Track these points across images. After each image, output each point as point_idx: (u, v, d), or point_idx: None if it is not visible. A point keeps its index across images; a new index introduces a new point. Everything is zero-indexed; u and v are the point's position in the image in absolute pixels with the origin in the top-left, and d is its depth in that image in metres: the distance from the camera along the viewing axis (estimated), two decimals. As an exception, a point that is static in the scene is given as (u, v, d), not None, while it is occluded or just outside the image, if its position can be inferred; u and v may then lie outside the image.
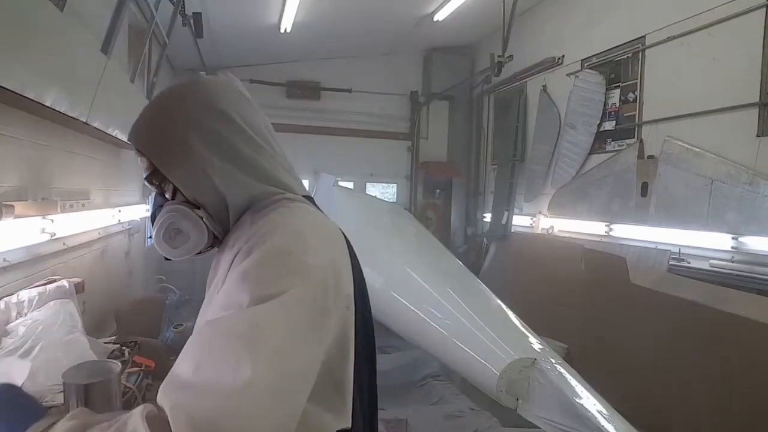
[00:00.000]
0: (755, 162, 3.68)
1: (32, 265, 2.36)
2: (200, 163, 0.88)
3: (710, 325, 3.36)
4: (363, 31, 6.88)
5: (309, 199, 0.98)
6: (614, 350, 4.04)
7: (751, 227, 3.69)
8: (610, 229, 5.04)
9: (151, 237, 1.00)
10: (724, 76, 3.94)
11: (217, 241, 0.95)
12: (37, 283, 2.29)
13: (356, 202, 4.71)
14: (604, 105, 5.25)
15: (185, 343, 0.73)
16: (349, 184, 7.44)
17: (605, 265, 4.40)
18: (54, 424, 0.71)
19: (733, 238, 3.77)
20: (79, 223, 2.85)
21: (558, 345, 4.22)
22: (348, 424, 0.77)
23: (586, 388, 2.68)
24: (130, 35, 4.23)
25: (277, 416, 0.63)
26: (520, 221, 6.60)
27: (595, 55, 5.43)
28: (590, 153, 5.45)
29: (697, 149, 4.13)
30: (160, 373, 2.13)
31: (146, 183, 0.97)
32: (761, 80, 3.66)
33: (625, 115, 5.04)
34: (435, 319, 3.29)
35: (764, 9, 3.63)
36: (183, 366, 0.66)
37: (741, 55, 3.83)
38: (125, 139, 2.79)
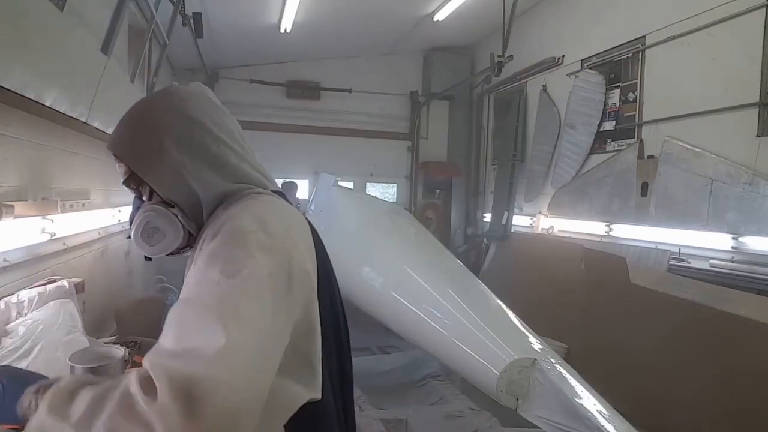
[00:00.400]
0: (755, 162, 3.68)
1: (32, 265, 2.36)
2: (173, 164, 0.94)
3: (710, 325, 3.36)
4: (363, 31, 6.88)
5: (279, 193, 1.03)
6: (614, 350, 4.04)
7: (751, 227, 3.69)
8: (610, 229, 5.04)
9: (129, 237, 1.04)
10: (724, 76, 3.94)
11: (192, 239, 1.00)
12: (37, 283, 2.29)
13: (356, 202, 4.70)
14: (604, 105, 5.25)
15: None
16: (349, 184, 7.44)
17: (605, 265, 4.40)
18: (59, 378, 0.77)
19: (733, 238, 3.77)
20: (79, 223, 2.85)
21: (558, 345, 4.22)
22: (318, 395, 0.80)
23: (586, 388, 2.67)
24: (130, 35, 4.23)
25: (251, 377, 0.67)
26: (520, 221, 6.60)
27: (595, 55, 5.43)
28: (590, 153, 5.45)
29: (697, 149, 4.13)
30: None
31: (124, 187, 1.04)
32: (761, 80, 3.66)
33: (625, 115, 5.04)
34: (435, 319, 3.29)
35: (764, 9, 3.63)
36: (163, 339, 0.71)
37: (741, 55, 3.83)
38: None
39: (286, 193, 1.08)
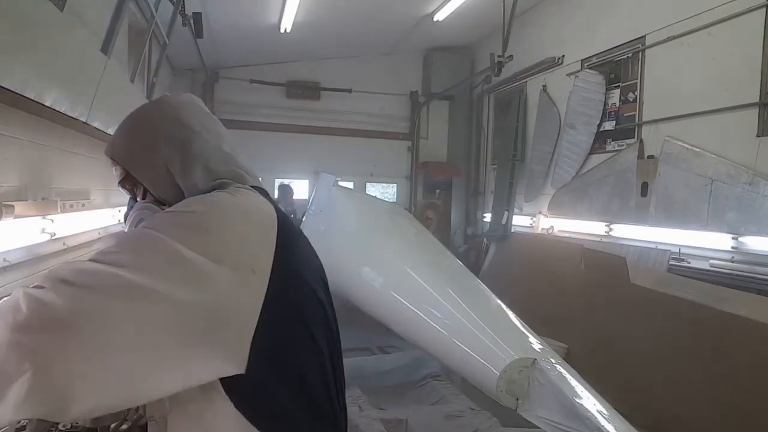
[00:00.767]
0: (755, 162, 3.68)
1: (32, 265, 2.36)
2: (164, 164, 1.01)
3: (710, 325, 3.36)
4: (363, 31, 6.88)
5: (260, 189, 1.06)
6: (614, 350, 4.04)
7: (751, 227, 3.69)
8: (610, 229, 5.04)
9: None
10: (724, 76, 3.94)
11: None
12: (37, 283, 2.28)
13: (356, 202, 4.69)
14: (604, 105, 5.25)
15: None
16: (349, 184, 7.43)
17: (605, 265, 4.40)
18: None
19: (733, 238, 3.77)
20: (79, 223, 2.84)
21: (558, 345, 4.22)
22: (241, 371, 0.80)
23: (586, 388, 2.67)
24: (130, 35, 4.23)
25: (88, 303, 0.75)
26: (520, 221, 6.60)
27: (595, 55, 5.43)
28: (590, 153, 5.45)
29: (697, 149, 4.13)
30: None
31: (120, 188, 1.12)
32: (761, 80, 3.66)
33: (625, 115, 5.04)
34: (435, 319, 3.29)
35: (764, 9, 3.63)
36: (70, 265, 0.81)
37: (741, 55, 3.83)
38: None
39: (282, 198, 1.10)
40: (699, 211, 4.06)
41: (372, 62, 7.98)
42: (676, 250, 4.21)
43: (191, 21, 4.59)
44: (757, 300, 3.39)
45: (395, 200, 8.31)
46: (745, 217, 3.72)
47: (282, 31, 6.09)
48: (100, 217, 3.32)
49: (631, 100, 4.96)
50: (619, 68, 5.12)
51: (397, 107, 8.25)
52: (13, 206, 1.96)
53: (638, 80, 4.86)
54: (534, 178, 6.41)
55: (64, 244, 2.69)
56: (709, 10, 4.01)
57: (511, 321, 3.28)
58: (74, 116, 2.45)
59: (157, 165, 1.01)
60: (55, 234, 2.39)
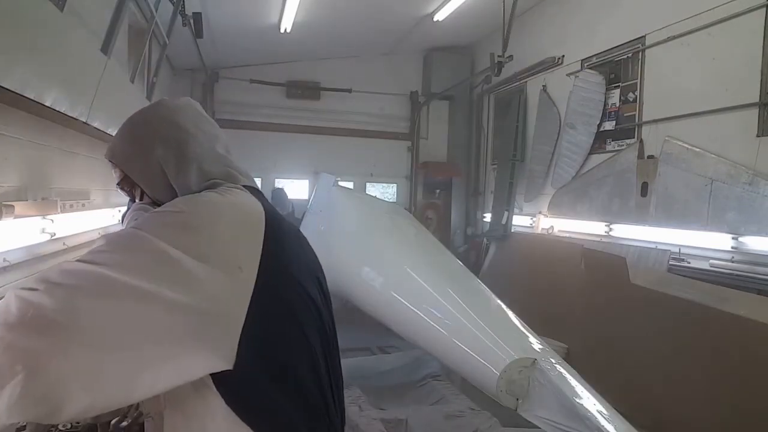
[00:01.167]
0: (755, 162, 3.68)
1: (32, 265, 2.36)
2: (159, 165, 1.03)
3: (710, 325, 3.36)
4: (363, 31, 6.88)
5: (252, 189, 1.07)
6: (614, 350, 4.04)
7: (751, 227, 3.68)
8: (610, 229, 5.04)
9: None
10: (724, 76, 3.94)
11: None
12: (37, 283, 2.28)
13: (356, 202, 4.69)
14: (604, 105, 5.25)
15: None
16: (349, 184, 7.43)
17: (605, 265, 4.40)
18: None
19: (733, 238, 3.77)
20: (79, 223, 2.84)
21: (558, 345, 4.22)
22: (229, 366, 0.81)
23: (586, 388, 2.67)
24: (130, 35, 4.23)
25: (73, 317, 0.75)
26: (520, 221, 6.60)
27: (595, 55, 5.43)
28: (590, 153, 5.45)
29: (697, 149, 4.13)
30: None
31: (119, 189, 1.14)
32: (761, 80, 3.66)
33: (625, 115, 5.04)
34: (435, 319, 3.29)
35: (764, 9, 3.63)
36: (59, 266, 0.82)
37: (741, 55, 3.83)
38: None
39: (278, 201, 1.10)
40: (699, 211, 4.06)
41: (372, 62, 7.98)
42: (676, 250, 4.21)
43: (191, 21, 4.59)
44: (757, 300, 3.39)
45: (395, 200, 8.31)
46: (745, 217, 3.71)
47: (282, 31, 6.09)
48: (100, 217, 3.32)
49: (631, 100, 4.96)
50: (619, 68, 5.12)
51: (397, 107, 8.25)
52: (13, 206, 1.96)
53: (638, 80, 4.86)
54: (534, 178, 6.41)
55: (64, 244, 2.69)
56: (709, 10, 4.01)
57: (511, 321, 3.28)
58: (74, 116, 2.45)
59: (153, 166, 1.03)
60: (55, 234, 2.39)
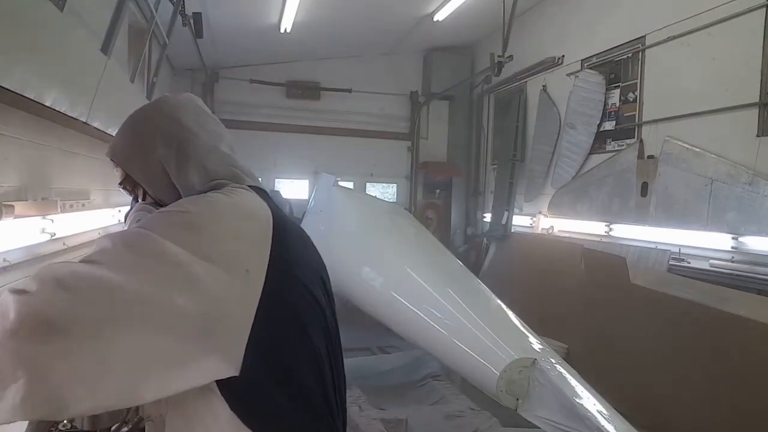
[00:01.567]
0: (755, 162, 3.68)
1: (32, 265, 2.35)
2: (160, 164, 1.01)
3: (710, 325, 3.36)
4: (363, 31, 6.88)
5: (258, 189, 1.05)
6: (614, 350, 4.04)
7: (751, 227, 3.68)
8: (610, 229, 5.04)
9: None
10: (724, 76, 3.94)
11: None
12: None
13: (356, 202, 4.69)
14: (604, 105, 5.25)
15: None
16: (349, 184, 7.43)
17: (605, 265, 4.40)
18: None
19: (733, 238, 3.77)
20: (79, 223, 2.84)
21: (558, 345, 4.21)
22: (236, 373, 0.79)
23: (586, 388, 2.67)
24: (130, 35, 4.23)
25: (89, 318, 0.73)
26: (520, 221, 6.60)
27: (595, 55, 5.43)
28: (590, 153, 5.45)
29: (697, 149, 4.13)
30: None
31: (121, 189, 1.12)
32: (761, 80, 3.66)
33: (625, 115, 5.04)
34: (435, 319, 3.29)
35: (764, 9, 3.63)
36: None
37: (741, 55, 3.83)
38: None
39: (275, 203, 1.09)
40: (699, 211, 4.06)
41: (372, 62, 7.98)
42: (676, 250, 4.21)
43: (191, 21, 4.59)
44: (757, 300, 3.39)
45: (395, 200, 8.31)
46: (745, 217, 3.71)
47: (282, 31, 6.09)
48: (100, 217, 3.32)
49: (631, 100, 4.96)
50: (619, 68, 5.12)
51: (397, 107, 8.25)
52: (13, 206, 1.96)
53: (638, 80, 4.86)
54: (534, 178, 6.41)
55: (64, 244, 2.69)
56: (709, 10, 4.01)
57: (511, 321, 3.29)
58: (74, 116, 2.45)
59: (154, 165, 1.01)
60: (55, 234, 2.39)
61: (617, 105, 5.14)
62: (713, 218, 3.95)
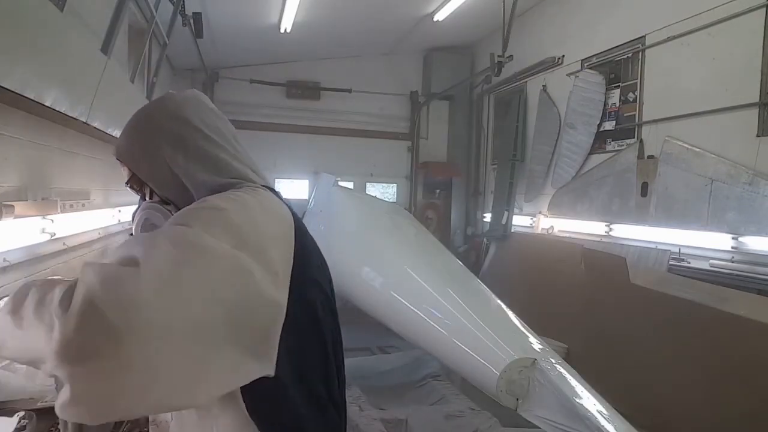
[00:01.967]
0: (755, 162, 3.68)
1: (32, 265, 2.36)
2: (167, 163, 0.99)
3: (710, 325, 3.36)
4: (363, 31, 6.88)
5: (271, 190, 1.05)
6: (614, 350, 4.04)
7: (751, 227, 3.68)
8: (610, 229, 5.04)
9: (132, 234, 1.07)
10: (724, 76, 3.94)
11: None
12: (37, 283, 2.28)
13: (356, 202, 4.70)
14: (604, 105, 5.25)
15: None
16: (349, 184, 7.43)
17: (605, 265, 4.40)
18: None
19: (733, 238, 3.77)
20: (79, 223, 2.84)
21: (558, 345, 4.21)
22: (272, 373, 0.78)
23: (586, 388, 2.68)
24: (130, 35, 4.23)
25: (159, 302, 0.68)
26: (520, 221, 6.60)
27: (595, 55, 5.43)
28: (590, 153, 5.45)
29: (697, 149, 4.13)
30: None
31: (128, 188, 1.10)
32: (761, 80, 3.66)
33: (625, 115, 5.04)
34: (435, 319, 3.29)
35: (764, 9, 3.63)
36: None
37: (741, 55, 3.83)
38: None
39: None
40: (699, 211, 4.06)
41: (372, 62, 7.98)
42: (676, 250, 4.21)
43: (191, 21, 4.59)
44: (757, 300, 3.39)
45: (395, 200, 8.31)
46: (745, 217, 3.71)
47: (282, 31, 6.09)
48: (100, 217, 3.32)
49: (631, 100, 4.96)
50: (619, 68, 5.12)
51: (397, 107, 8.25)
52: (13, 206, 1.96)
53: (638, 80, 4.86)
54: (534, 178, 6.41)
55: (64, 244, 2.69)
56: (709, 10, 4.01)
57: (511, 321, 3.29)
58: (74, 116, 2.45)
59: (160, 164, 0.99)
60: (55, 234, 2.39)
61: (617, 105, 5.14)
62: (713, 218, 3.95)
